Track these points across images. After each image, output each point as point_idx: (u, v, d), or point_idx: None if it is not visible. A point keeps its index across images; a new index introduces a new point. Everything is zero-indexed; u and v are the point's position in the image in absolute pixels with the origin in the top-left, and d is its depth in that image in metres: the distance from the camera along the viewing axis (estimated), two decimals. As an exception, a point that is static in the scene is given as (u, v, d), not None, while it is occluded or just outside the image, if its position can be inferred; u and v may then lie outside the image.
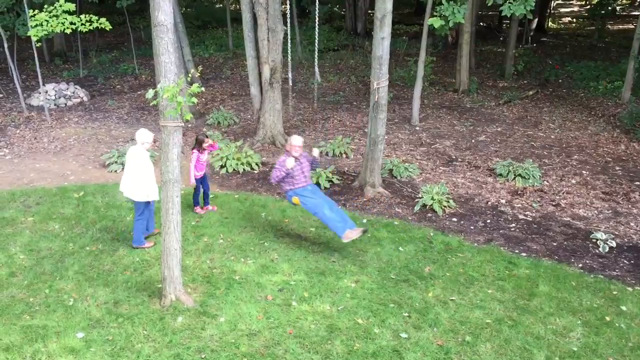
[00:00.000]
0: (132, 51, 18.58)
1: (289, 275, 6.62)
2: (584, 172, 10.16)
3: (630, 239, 7.76)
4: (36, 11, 11.58)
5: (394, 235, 7.67)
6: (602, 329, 5.72)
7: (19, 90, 13.65)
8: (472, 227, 8.05)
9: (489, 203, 8.87)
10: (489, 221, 8.26)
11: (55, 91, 14.50)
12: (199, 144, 8.00)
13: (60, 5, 11.43)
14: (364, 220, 8.11)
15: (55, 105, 14.23)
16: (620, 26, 25.68)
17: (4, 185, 9.31)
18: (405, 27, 24.37)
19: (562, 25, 27.10)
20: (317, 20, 9.99)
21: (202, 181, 8.24)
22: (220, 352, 5.26)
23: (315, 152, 7.29)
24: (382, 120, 8.78)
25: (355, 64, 18.56)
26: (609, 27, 25.10)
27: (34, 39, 11.55)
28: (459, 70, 15.61)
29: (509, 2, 10.49)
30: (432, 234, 7.74)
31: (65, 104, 14.39)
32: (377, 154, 8.97)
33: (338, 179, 9.60)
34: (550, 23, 26.40)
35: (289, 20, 10.41)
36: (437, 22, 10.51)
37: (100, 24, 11.70)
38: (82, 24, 11.70)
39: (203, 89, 6.35)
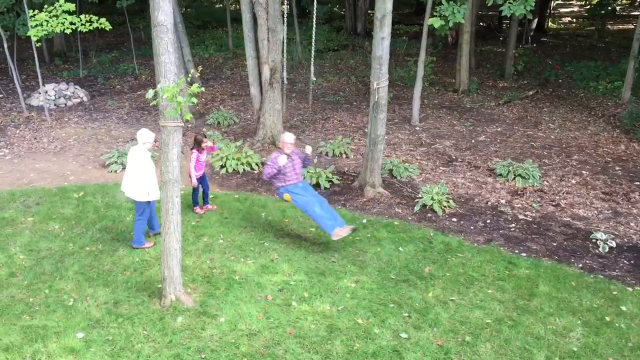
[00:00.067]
0: (132, 51, 18.58)
1: (289, 275, 6.62)
2: (583, 172, 10.16)
3: (630, 239, 7.77)
4: (36, 11, 11.58)
5: (394, 236, 7.67)
6: (602, 329, 5.72)
7: (19, 90, 13.65)
8: (472, 227, 8.05)
9: (489, 203, 8.87)
10: (488, 221, 8.26)
11: (55, 91, 14.50)
12: (197, 144, 8.00)
13: (60, 6, 11.43)
14: (364, 221, 8.11)
15: (55, 105, 14.23)
16: (620, 26, 25.69)
17: (4, 186, 9.31)
18: (405, 27, 24.38)
19: (562, 25, 27.10)
20: (314, 20, 9.99)
21: (201, 181, 8.24)
22: (220, 352, 5.26)
23: (308, 149, 7.35)
24: (382, 121, 8.78)
25: (355, 64, 18.56)
26: (609, 27, 25.11)
27: (33, 39, 11.55)
28: (458, 70, 15.61)
29: (509, 2, 10.49)
30: (432, 234, 7.74)
31: (65, 104, 14.39)
32: (377, 154, 8.97)
33: (338, 179, 9.60)
34: (550, 23, 26.41)
35: (285, 20, 10.39)
36: (437, 22, 10.51)
37: (100, 24, 11.70)
38: (82, 24, 11.71)
39: (203, 89, 6.36)
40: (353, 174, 9.94)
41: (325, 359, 5.22)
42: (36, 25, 11.47)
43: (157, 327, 5.60)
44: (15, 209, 8.33)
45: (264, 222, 8.08)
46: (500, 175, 9.76)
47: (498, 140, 11.92)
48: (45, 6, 11.76)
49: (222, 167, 10.13)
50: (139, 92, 15.56)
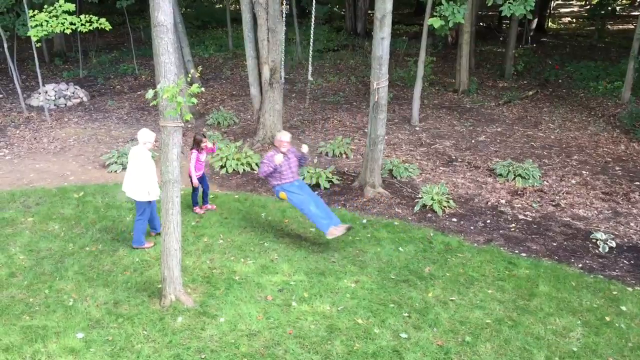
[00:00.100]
0: (132, 51, 18.58)
1: (289, 275, 6.62)
2: (583, 172, 10.16)
3: (630, 239, 7.76)
4: (36, 11, 11.58)
5: (394, 236, 7.67)
6: (602, 329, 5.72)
7: (19, 90, 13.65)
8: (472, 228, 8.05)
9: (489, 203, 8.87)
10: (488, 221, 8.26)
11: (55, 91, 14.50)
12: (197, 144, 8.01)
13: (60, 6, 11.44)
14: (364, 221, 8.11)
15: (55, 105, 14.23)
16: (620, 26, 25.69)
17: (3, 186, 9.31)
18: (405, 27, 24.38)
19: (562, 26, 27.11)
20: (313, 20, 10.00)
21: (201, 181, 8.24)
22: (220, 353, 5.26)
23: (305, 148, 7.38)
24: (382, 121, 8.78)
25: (355, 64, 18.56)
26: (609, 27, 25.12)
27: (33, 39, 11.55)
28: (458, 71, 15.61)
29: (509, 2, 10.49)
30: (432, 234, 7.74)
31: (65, 105, 14.39)
32: (377, 154, 8.97)
33: (338, 179, 9.60)
34: (550, 23, 26.41)
35: (284, 19, 10.39)
36: (437, 22, 10.51)
37: (100, 24, 11.71)
38: (82, 24, 11.71)
39: (203, 89, 6.36)
40: (353, 174, 9.94)
41: (325, 359, 5.22)
42: (36, 26, 11.47)
43: (157, 327, 5.60)
44: (15, 209, 8.33)
45: (264, 223, 8.08)
46: (500, 175, 9.76)
47: (498, 141, 11.92)
48: (45, 6, 11.76)
49: (222, 167, 10.13)
50: (138, 93, 15.56)
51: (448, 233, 7.82)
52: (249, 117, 13.31)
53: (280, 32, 10.53)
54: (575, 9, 32.03)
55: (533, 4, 10.33)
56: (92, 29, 11.82)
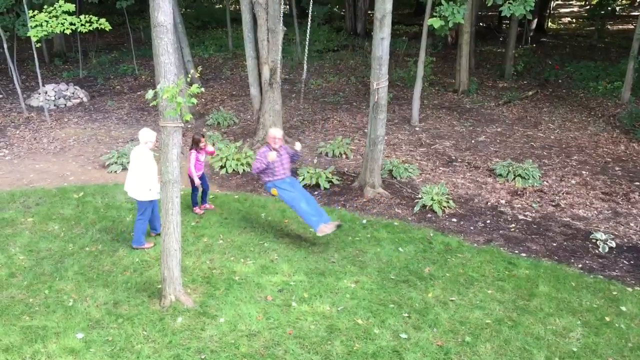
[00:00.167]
0: (131, 52, 18.58)
1: (289, 275, 6.62)
2: (583, 172, 10.16)
3: (630, 239, 7.77)
4: (36, 12, 11.58)
5: (394, 236, 7.67)
6: (601, 330, 5.72)
7: (19, 90, 13.65)
8: (471, 228, 8.05)
9: (489, 203, 8.87)
10: (488, 221, 8.26)
11: (55, 92, 14.50)
12: (195, 144, 8.01)
13: (60, 6, 11.44)
14: (364, 221, 8.11)
15: (54, 105, 14.23)
16: (620, 26, 25.69)
17: (3, 186, 9.31)
18: (405, 28, 24.38)
19: (562, 26, 27.11)
20: (310, 19, 10.02)
21: (201, 180, 8.24)
22: (220, 353, 5.26)
23: (298, 146, 7.46)
24: (381, 121, 8.78)
25: (355, 65, 18.56)
26: (609, 27, 25.12)
27: (33, 39, 11.56)
28: (458, 71, 15.61)
29: (509, 3, 10.49)
30: (431, 235, 7.74)
31: (65, 105, 14.39)
32: (377, 154, 8.97)
33: (338, 180, 9.60)
34: (549, 23, 26.42)
35: (281, 19, 10.40)
36: (436, 23, 10.51)
37: (100, 24, 11.71)
38: (81, 25, 11.71)
39: (203, 89, 6.36)
40: (353, 175, 9.94)
41: (325, 359, 5.23)
42: (36, 26, 11.48)
43: (157, 327, 5.60)
44: (15, 210, 8.33)
45: (263, 223, 8.08)
46: (500, 175, 9.76)
47: (498, 141, 11.92)
48: (45, 7, 11.76)
49: (222, 167, 10.13)
50: (138, 93, 15.55)
51: (448, 233, 7.82)
52: (249, 117, 13.31)
53: (280, 33, 10.53)
54: (575, 9, 32.04)
55: (533, 4, 10.33)
56: (92, 29, 11.82)
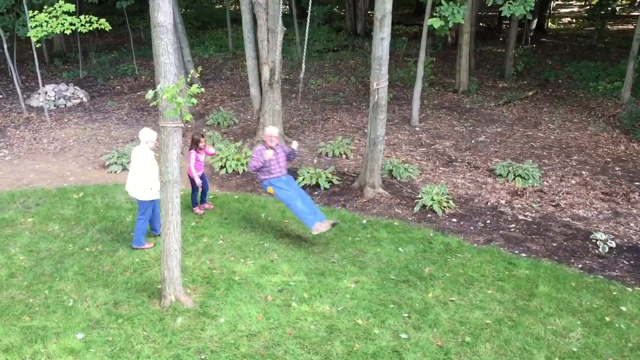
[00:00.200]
0: (131, 52, 18.58)
1: (289, 275, 6.62)
2: (583, 172, 10.16)
3: (630, 240, 7.76)
4: (36, 12, 11.58)
5: (394, 236, 7.67)
6: (601, 330, 5.72)
7: (19, 91, 13.65)
8: (471, 228, 8.05)
9: (489, 203, 8.87)
10: (488, 222, 8.26)
11: (55, 92, 14.50)
12: (195, 144, 8.02)
13: (60, 6, 11.44)
14: (364, 221, 8.11)
15: (54, 106, 14.23)
16: (620, 26, 25.70)
17: (3, 186, 9.31)
18: (405, 28, 24.39)
19: (562, 26, 27.12)
20: (309, 18, 10.02)
21: (201, 180, 8.23)
22: (220, 353, 5.26)
23: (294, 144, 7.50)
24: (381, 121, 8.78)
25: (355, 65, 18.56)
26: (609, 27, 25.13)
27: (33, 39, 11.56)
28: (458, 71, 15.61)
29: (509, 3, 10.49)
30: (431, 235, 7.74)
31: (65, 105, 14.39)
32: (377, 154, 8.97)
33: (338, 180, 9.60)
34: (549, 23, 26.42)
35: (280, 19, 10.41)
36: (436, 23, 10.51)
37: (99, 24, 11.71)
38: (81, 25, 11.71)
39: (203, 89, 6.37)
40: (353, 175, 9.94)
41: (325, 360, 5.23)
42: (36, 26, 11.48)
43: (157, 327, 5.60)
44: (15, 210, 8.33)
45: (263, 223, 8.08)
46: (500, 175, 9.76)
47: (498, 141, 11.92)
48: (45, 7, 11.76)
49: (222, 167, 10.13)
50: (138, 93, 15.56)
51: (448, 233, 7.82)
52: (249, 117, 13.31)
53: (280, 33, 10.54)
54: (575, 9, 32.04)
55: (533, 4, 10.34)
56: (92, 29, 11.82)
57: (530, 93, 15.44)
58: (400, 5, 28.85)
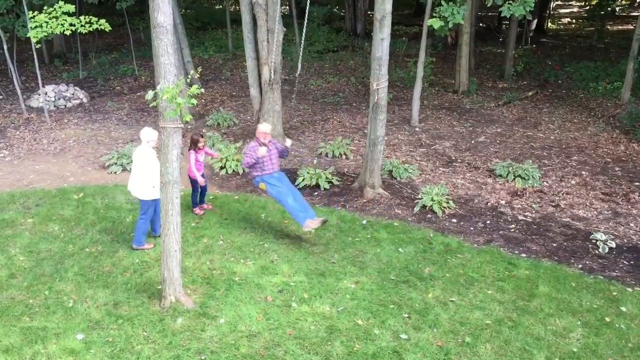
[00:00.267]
0: (131, 52, 18.59)
1: (289, 276, 6.62)
2: (583, 172, 10.16)
3: (630, 240, 7.76)
4: (36, 13, 11.58)
5: (394, 236, 7.67)
6: (602, 330, 5.72)
7: (19, 91, 13.65)
8: (471, 228, 8.05)
9: (489, 204, 8.87)
10: (488, 222, 8.26)
11: (55, 92, 14.50)
12: (194, 144, 8.02)
13: (60, 7, 11.44)
14: (364, 222, 8.11)
15: (54, 106, 14.23)
16: (620, 27, 25.70)
17: (3, 187, 9.31)
18: (404, 28, 24.39)
19: (562, 26, 27.12)
20: (306, 16, 10.02)
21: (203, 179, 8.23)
22: (220, 354, 5.26)
23: (288, 142, 7.62)
24: (381, 121, 8.78)
25: (354, 65, 18.57)
26: (609, 27, 25.13)
27: (33, 40, 11.56)
28: (458, 71, 15.62)
29: (508, 3, 10.49)
30: (431, 235, 7.74)
31: (65, 106, 14.39)
32: (377, 155, 8.97)
33: (338, 180, 9.60)
34: (549, 24, 26.43)
35: (278, 19, 10.40)
36: (436, 23, 10.52)
37: (99, 25, 11.71)
38: (81, 26, 11.71)
39: (202, 90, 6.37)
40: (353, 175, 9.94)
41: (325, 360, 5.22)
42: (36, 27, 11.48)
43: (157, 328, 5.60)
44: (15, 211, 8.33)
45: (263, 223, 8.08)
46: (500, 176, 9.76)
47: (498, 141, 11.93)
48: (45, 7, 11.76)
49: (221, 168, 10.13)
50: (138, 94, 15.56)
51: (448, 234, 7.82)
52: (249, 118, 13.31)
53: (279, 33, 10.54)
54: (575, 9, 32.05)
55: (532, 5, 10.34)
56: (91, 30, 11.82)
57: (530, 93, 15.45)
58: (400, 5, 28.86)
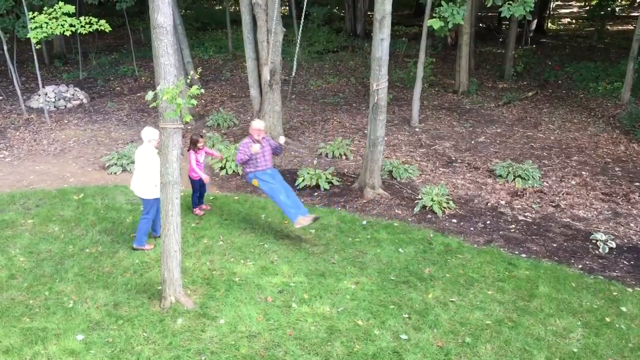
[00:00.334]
0: (131, 53, 18.59)
1: (289, 276, 6.62)
2: (583, 173, 10.16)
3: (630, 240, 7.76)
4: (36, 13, 11.58)
5: (394, 237, 7.67)
6: (602, 330, 5.72)
7: (19, 92, 13.65)
8: (471, 228, 8.05)
9: (489, 204, 8.87)
10: (488, 222, 8.26)
11: (55, 93, 14.50)
12: (193, 144, 8.02)
13: (60, 8, 11.44)
14: (364, 222, 8.11)
15: (54, 107, 14.23)
16: (620, 27, 25.70)
17: (3, 188, 9.31)
18: (404, 29, 24.38)
19: (562, 26, 27.12)
20: (303, 15, 10.02)
21: (200, 182, 8.23)
22: (220, 354, 5.26)
23: (282, 139, 7.69)
24: (381, 122, 8.78)
25: (354, 66, 18.57)
26: (609, 28, 25.12)
27: (33, 41, 11.56)
28: (458, 72, 15.62)
29: (508, 3, 10.50)
30: (432, 235, 7.73)
31: (65, 106, 14.39)
32: (377, 155, 8.97)
33: (338, 181, 9.60)
34: (549, 24, 26.42)
35: (275, 19, 10.40)
36: (436, 24, 10.52)
37: (99, 26, 11.71)
38: (81, 26, 11.71)
39: (202, 90, 6.36)
40: (353, 176, 9.94)
41: (325, 361, 5.22)
42: (36, 28, 11.48)
43: (157, 329, 5.60)
44: (15, 211, 8.33)
45: (263, 224, 8.08)
46: (500, 176, 9.76)
47: (498, 141, 11.93)
48: (45, 8, 11.76)
49: (222, 168, 10.14)
50: (138, 94, 15.56)
51: (448, 234, 7.82)
52: (249, 118, 13.30)
53: (280, 34, 10.55)
54: (575, 9, 32.04)
55: (532, 5, 10.34)
56: (91, 30, 11.82)
57: (530, 94, 15.45)
58: (400, 6, 28.86)
